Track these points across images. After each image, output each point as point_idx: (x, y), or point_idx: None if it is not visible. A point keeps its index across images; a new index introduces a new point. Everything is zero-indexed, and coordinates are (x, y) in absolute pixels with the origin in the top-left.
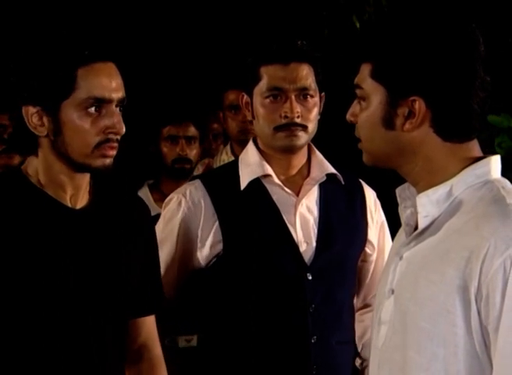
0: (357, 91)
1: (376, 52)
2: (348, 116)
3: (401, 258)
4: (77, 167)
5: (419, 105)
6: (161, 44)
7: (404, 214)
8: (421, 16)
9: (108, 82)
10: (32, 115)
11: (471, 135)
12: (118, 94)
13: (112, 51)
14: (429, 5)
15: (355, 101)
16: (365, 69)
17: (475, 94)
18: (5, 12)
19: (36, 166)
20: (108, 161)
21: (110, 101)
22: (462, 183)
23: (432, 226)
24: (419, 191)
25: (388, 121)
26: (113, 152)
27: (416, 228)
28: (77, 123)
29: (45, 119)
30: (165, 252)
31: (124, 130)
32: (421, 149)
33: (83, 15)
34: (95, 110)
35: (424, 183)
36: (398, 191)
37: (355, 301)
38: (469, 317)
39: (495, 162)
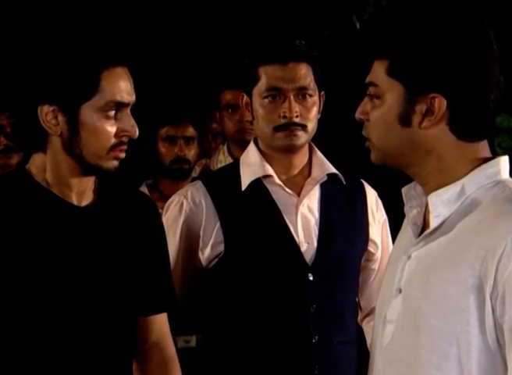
0: (371, 89)
1: (393, 49)
2: (358, 114)
3: (409, 257)
4: (88, 168)
5: (439, 102)
6: (159, 45)
7: (411, 214)
8: (435, 12)
9: (126, 86)
10: (47, 113)
11: (484, 134)
12: (133, 97)
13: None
14: (433, 4)
15: (365, 100)
16: (380, 67)
17: (491, 92)
18: (21, 13)
19: (41, 165)
20: (117, 163)
21: (128, 104)
22: (473, 183)
23: (443, 226)
24: (428, 191)
25: (404, 118)
26: (123, 155)
27: (423, 228)
28: (97, 125)
29: (60, 119)
30: (170, 255)
31: (138, 133)
32: (435, 148)
33: (82, 16)
34: (113, 113)
35: (434, 183)
36: (404, 190)
37: (360, 302)
38: (483, 315)
39: (504, 163)
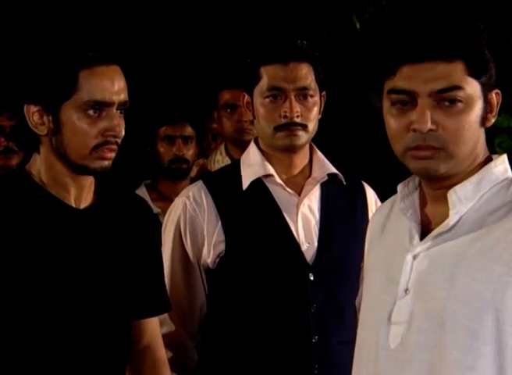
0: (451, 94)
1: (469, 49)
2: (428, 126)
3: (415, 257)
4: (75, 168)
5: (498, 96)
6: (158, 45)
7: (408, 213)
8: (469, 8)
9: (109, 85)
10: (33, 113)
11: None
12: (119, 97)
13: (112, 52)
14: (434, 4)
15: (428, 108)
16: (457, 69)
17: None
18: (11, 12)
19: (39, 165)
20: (106, 163)
21: (111, 104)
22: (486, 180)
23: (458, 224)
24: (440, 187)
25: (483, 118)
26: (112, 155)
27: (423, 226)
28: (76, 124)
29: (46, 119)
30: (178, 256)
31: (123, 133)
32: (477, 144)
33: (81, 15)
34: (94, 112)
35: (458, 180)
36: (399, 187)
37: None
38: None
39: (507, 160)
